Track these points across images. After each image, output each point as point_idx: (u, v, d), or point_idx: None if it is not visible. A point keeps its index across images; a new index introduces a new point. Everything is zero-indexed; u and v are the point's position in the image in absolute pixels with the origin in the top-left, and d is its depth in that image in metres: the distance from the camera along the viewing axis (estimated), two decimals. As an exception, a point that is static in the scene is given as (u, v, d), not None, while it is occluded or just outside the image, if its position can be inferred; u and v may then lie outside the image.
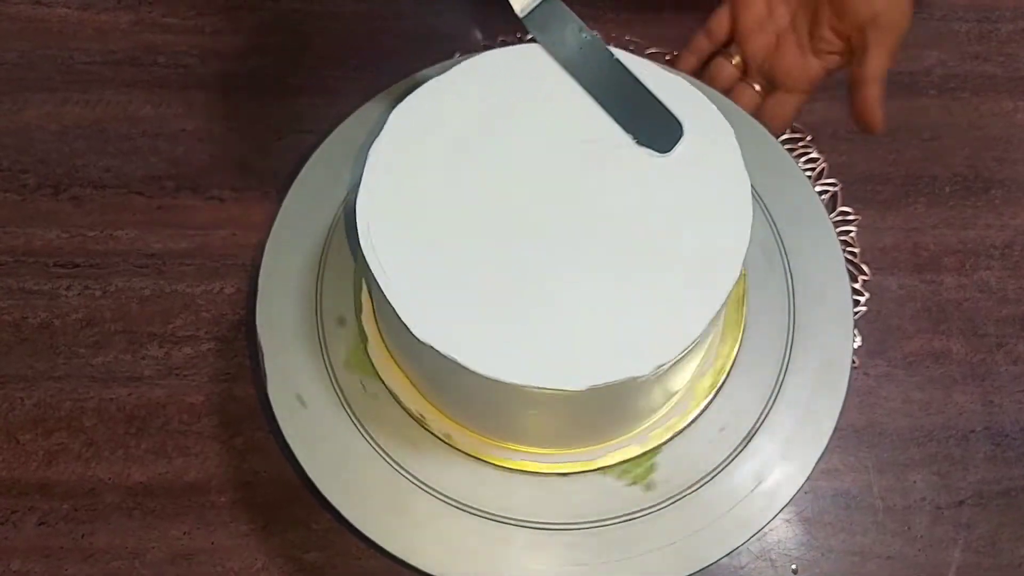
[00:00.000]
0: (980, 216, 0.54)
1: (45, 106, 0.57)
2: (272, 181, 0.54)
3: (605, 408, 0.38)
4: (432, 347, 0.34)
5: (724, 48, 0.53)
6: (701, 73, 0.53)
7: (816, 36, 0.48)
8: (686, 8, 0.59)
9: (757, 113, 0.51)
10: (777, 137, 0.50)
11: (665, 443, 0.42)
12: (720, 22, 0.52)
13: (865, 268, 0.52)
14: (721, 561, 0.40)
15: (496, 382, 0.34)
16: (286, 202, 0.47)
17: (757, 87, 0.52)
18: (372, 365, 0.43)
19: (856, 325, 0.48)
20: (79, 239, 0.53)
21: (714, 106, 0.40)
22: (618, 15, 0.60)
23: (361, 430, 0.42)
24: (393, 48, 0.59)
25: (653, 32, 0.59)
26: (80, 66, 0.58)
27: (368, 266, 0.36)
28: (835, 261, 0.46)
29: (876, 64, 0.45)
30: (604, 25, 0.59)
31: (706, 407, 0.43)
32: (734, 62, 0.52)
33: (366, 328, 0.44)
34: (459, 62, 0.41)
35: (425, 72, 0.48)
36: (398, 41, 0.59)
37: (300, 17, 0.60)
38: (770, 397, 0.43)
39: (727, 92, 0.51)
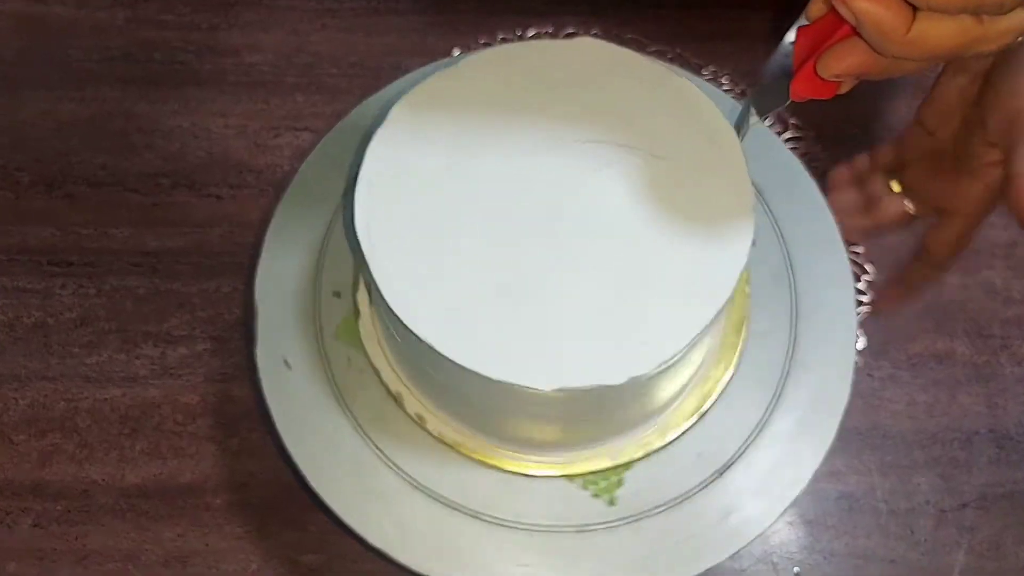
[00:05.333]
0: (984, 215, 0.54)
1: (40, 103, 0.56)
2: (269, 179, 0.54)
3: (585, 411, 0.38)
4: (418, 336, 0.34)
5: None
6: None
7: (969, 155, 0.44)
8: (687, 5, 0.58)
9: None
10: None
11: (653, 448, 0.42)
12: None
13: (868, 267, 0.52)
14: (723, 564, 0.40)
15: (472, 373, 0.34)
16: (284, 200, 0.47)
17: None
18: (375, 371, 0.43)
19: (860, 326, 0.47)
20: (73, 237, 0.52)
21: (717, 108, 0.39)
22: (618, 12, 0.59)
23: (358, 427, 0.42)
24: (391, 46, 0.58)
25: (654, 29, 0.58)
26: (76, 63, 0.58)
27: (367, 263, 0.36)
28: (839, 259, 0.45)
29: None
30: (604, 21, 0.58)
31: (713, 395, 0.43)
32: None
33: (363, 333, 0.43)
34: (460, 59, 0.41)
35: (424, 70, 0.47)
36: (396, 38, 0.59)
37: (296, 14, 0.60)
38: (774, 395, 0.43)
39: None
